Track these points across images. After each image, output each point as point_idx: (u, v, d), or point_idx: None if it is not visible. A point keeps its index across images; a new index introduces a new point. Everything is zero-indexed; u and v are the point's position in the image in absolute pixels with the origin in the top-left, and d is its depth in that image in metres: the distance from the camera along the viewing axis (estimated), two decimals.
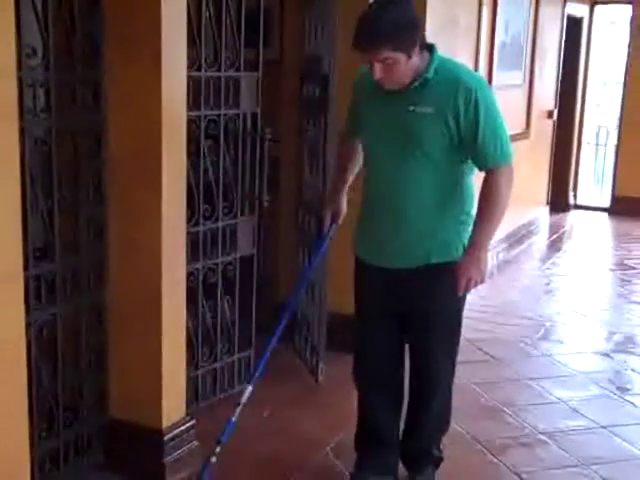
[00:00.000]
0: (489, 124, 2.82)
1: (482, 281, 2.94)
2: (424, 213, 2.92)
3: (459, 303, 3.09)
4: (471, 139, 2.83)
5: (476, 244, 2.91)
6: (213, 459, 3.00)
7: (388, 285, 3.06)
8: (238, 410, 3.08)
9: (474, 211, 3.01)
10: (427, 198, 2.91)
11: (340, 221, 3.34)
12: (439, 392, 3.23)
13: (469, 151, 2.88)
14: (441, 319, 3.07)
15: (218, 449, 3.00)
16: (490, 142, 2.84)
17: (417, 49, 2.77)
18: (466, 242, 2.97)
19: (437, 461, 3.38)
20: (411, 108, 2.82)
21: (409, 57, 2.74)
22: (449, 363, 3.21)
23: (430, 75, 2.81)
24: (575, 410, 4.13)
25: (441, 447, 3.40)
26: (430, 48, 2.86)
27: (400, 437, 3.35)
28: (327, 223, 3.30)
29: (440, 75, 2.82)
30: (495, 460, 3.61)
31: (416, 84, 2.82)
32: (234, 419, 3.07)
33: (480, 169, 2.94)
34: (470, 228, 2.99)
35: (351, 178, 3.33)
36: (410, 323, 3.13)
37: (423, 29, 2.90)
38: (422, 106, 2.81)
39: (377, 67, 2.74)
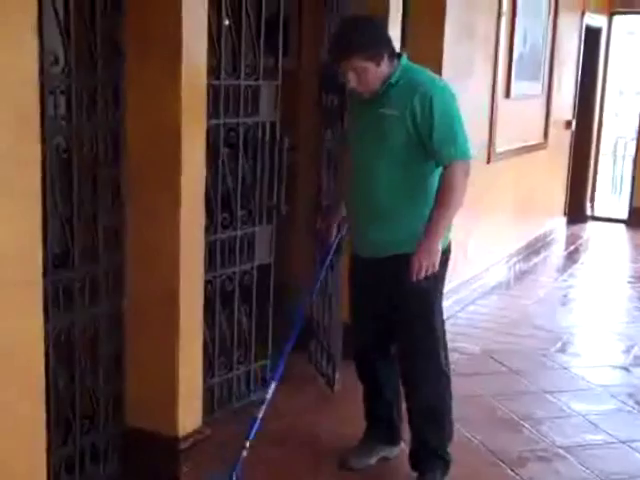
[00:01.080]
0: (443, 125, 3.07)
1: (433, 267, 3.11)
2: (395, 208, 3.17)
3: (427, 285, 3.20)
4: (427, 139, 3.09)
5: (429, 233, 3.11)
6: (244, 453, 3.15)
7: (368, 273, 3.34)
8: (263, 407, 3.21)
9: None
10: (397, 194, 3.17)
11: (345, 231, 3.55)
12: (423, 377, 3.33)
13: (428, 150, 3.12)
14: (412, 301, 3.23)
15: (247, 444, 3.16)
16: (445, 142, 3.09)
17: (385, 58, 3.10)
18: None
19: (444, 465, 3.39)
20: (380, 110, 3.14)
21: (377, 65, 3.07)
22: (430, 346, 3.30)
23: (393, 80, 3.13)
24: (593, 424, 4.09)
25: (448, 450, 3.41)
26: (399, 56, 3.19)
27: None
28: (333, 234, 3.53)
29: (403, 80, 3.13)
30: (512, 473, 3.57)
31: (383, 89, 3.14)
32: (260, 416, 3.20)
33: (438, 166, 3.15)
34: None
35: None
36: (389, 308, 3.32)
37: (391, 41, 3.22)
38: (388, 108, 3.12)
39: (351, 75, 3.09)
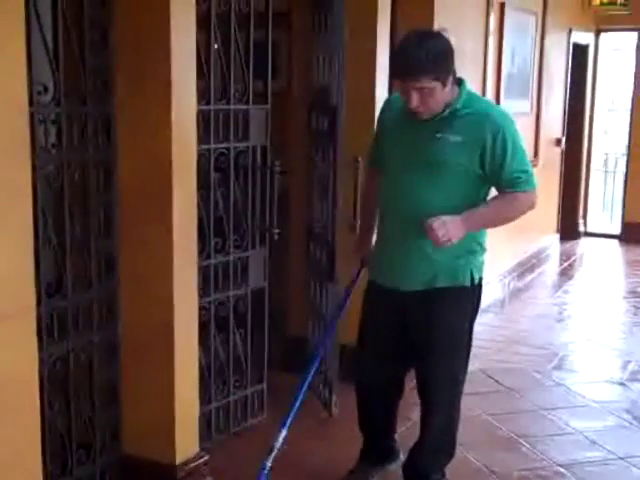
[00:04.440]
0: (516, 157, 2.96)
1: (445, 241, 2.89)
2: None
3: (463, 328, 3.16)
4: (498, 170, 2.94)
5: (467, 215, 2.94)
6: None
7: (393, 307, 3.16)
8: (273, 455, 3.07)
9: (486, 242, 3.10)
10: None
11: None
12: (439, 413, 3.28)
13: (495, 182, 2.98)
14: (443, 341, 3.13)
15: None
16: (517, 173, 2.97)
17: (451, 80, 2.92)
18: (475, 271, 3.06)
19: None
20: (438, 135, 2.94)
21: (444, 86, 2.88)
22: (451, 387, 3.26)
23: (459, 106, 2.95)
24: (592, 441, 4.08)
25: (445, 471, 3.41)
26: (459, 82, 3.01)
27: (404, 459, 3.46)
28: (356, 270, 3.40)
29: (469, 107, 2.97)
30: None
31: (445, 113, 2.95)
32: (269, 464, 3.07)
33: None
34: (481, 258, 3.09)
35: (377, 219, 3.37)
36: (413, 344, 3.19)
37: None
38: (449, 134, 2.93)
39: (414, 95, 2.87)
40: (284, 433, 3.09)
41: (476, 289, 3.13)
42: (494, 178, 2.98)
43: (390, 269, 3.16)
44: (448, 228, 2.87)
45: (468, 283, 3.07)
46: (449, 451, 3.40)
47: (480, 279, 3.13)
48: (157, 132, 3.10)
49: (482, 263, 3.12)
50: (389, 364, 3.29)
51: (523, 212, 3.08)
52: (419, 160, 3.01)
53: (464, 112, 2.96)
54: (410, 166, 3.03)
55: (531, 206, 3.07)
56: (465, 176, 2.97)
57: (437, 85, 2.85)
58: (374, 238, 3.37)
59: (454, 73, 2.97)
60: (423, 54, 2.81)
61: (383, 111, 3.29)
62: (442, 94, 2.90)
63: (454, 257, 3.03)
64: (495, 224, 3.09)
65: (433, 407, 3.28)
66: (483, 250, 3.12)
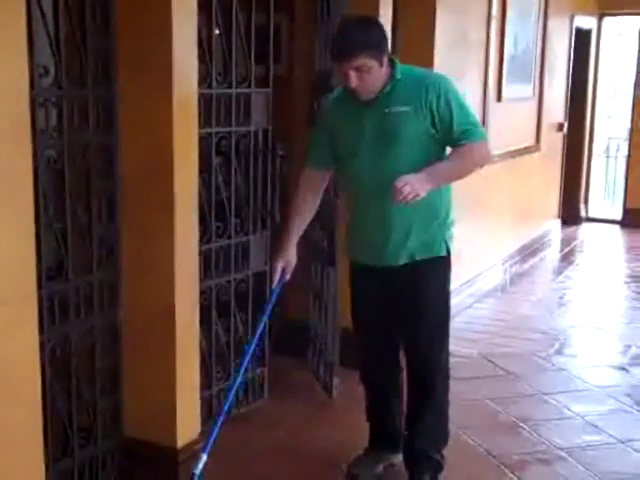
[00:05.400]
0: (462, 109, 3.10)
1: (414, 196, 2.89)
2: (407, 213, 3.08)
3: (445, 296, 3.32)
4: (448, 127, 3.07)
5: (431, 169, 3.00)
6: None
7: (379, 282, 3.28)
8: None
9: (454, 213, 3.27)
10: None
11: (289, 276, 3.30)
12: (437, 383, 3.35)
13: (447, 139, 3.11)
14: (430, 311, 3.26)
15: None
16: (467, 125, 3.10)
17: (386, 58, 3.06)
18: (448, 241, 3.23)
19: (437, 466, 3.41)
20: (387, 110, 3.08)
21: (381, 65, 3.02)
22: (440, 352, 3.34)
23: (399, 77, 3.10)
24: (592, 425, 4.09)
25: (444, 453, 3.43)
26: (392, 61, 3.14)
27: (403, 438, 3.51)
28: (277, 277, 3.27)
29: (407, 78, 3.12)
30: (512, 476, 3.56)
31: (387, 89, 3.09)
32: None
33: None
34: (452, 229, 3.26)
35: (305, 225, 3.38)
36: (404, 317, 3.31)
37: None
38: (397, 107, 3.07)
39: (353, 75, 2.99)
40: (204, 458, 2.82)
41: (449, 257, 3.28)
42: (447, 135, 3.09)
43: (370, 247, 3.25)
44: (412, 183, 2.90)
45: (444, 252, 3.23)
46: (446, 430, 3.44)
47: (450, 249, 3.27)
48: (158, 116, 3.09)
49: (453, 234, 3.27)
50: (385, 338, 3.41)
51: (479, 162, 3.19)
52: (376, 138, 3.11)
53: (404, 83, 3.09)
54: (369, 146, 3.12)
55: (486, 155, 3.20)
56: (422, 141, 3.08)
57: (374, 64, 2.99)
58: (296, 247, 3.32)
59: (389, 54, 3.11)
60: (359, 35, 2.99)
61: (327, 108, 3.36)
62: (379, 73, 3.03)
63: (428, 230, 3.17)
64: (455, 176, 3.16)
65: (427, 381, 3.35)
66: (452, 222, 3.27)
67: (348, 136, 3.20)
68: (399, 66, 3.13)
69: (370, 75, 3.01)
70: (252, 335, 3.25)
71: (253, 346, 3.15)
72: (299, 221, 3.35)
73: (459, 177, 3.15)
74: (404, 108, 3.05)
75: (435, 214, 3.17)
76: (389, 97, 3.08)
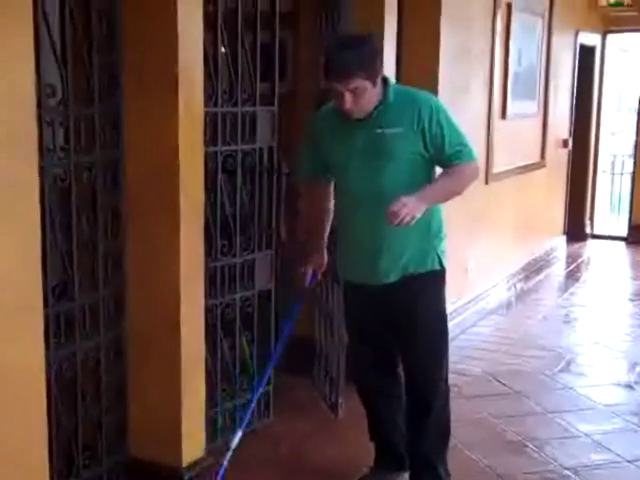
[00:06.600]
0: (453, 130, 3.12)
1: (409, 215, 2.90)
2: (399, 228, 3.02)
3: (439, 309, 3.30)
4: (440, 148, 3.09)
5: (424, 190, 3.03)
6: None
7: (373, 301, 3.26)
8: (228, 455, 3.09)
9: (445, 227, 3.28)
10: None
11: (320, 276, 3.48)
12: (436, 398, 3.33)
13: (439, 159, 3.13)
14: (426, 325, 3.24)
15: None
16: (457, 146, 3.12)
17: (379, 79, 3.04)
18: (441, 255, 3.22)
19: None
20: (379, 131, 3.07)
21: (374, 85, 3.00)
22: (441, 368, 3.33)
23: (391, 99, 3.08)
24: (599, 444, 4.06)
25: (448, 469, 3.41)
26: (384, 79, 3.13)
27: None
28: (309, 277, 3.44)
29: (399, 99, 3.10)
30: None
31: (380, 108, 3.07)
32: (225, 463, 3.08)
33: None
34: (444, 243, 3.24)
35: (329, 226, 3.45)
36: (399, 334, 3.30)
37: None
38: (389, 127, 3.06)
39: (347, 96, 2.97)
40: (240, 434, 3.14)
41: (444, 272, 3.27)
42: (438, 155, 3.11)
43: (363, 265, 3.23)
44: (407, 205, 2.91)
45: (438, 266, 3.22)
46: (447, 437, 3.43)
47: (444, 262, 3.27)
48: (164, 134, 3.11)
49: (445, 249, 3.26)
50: (380, 351, 3.40)
51: (469, 182, 3.21)
52: (368, 157, 3.10)
53: (396, 104, 3.08)
54: (360, 165, 3.12)
55: (475, 175, 3.24)
56: (413, 161, 3.10)
57: (368, 85, 2.97)
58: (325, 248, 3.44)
59: (382, 73, 3.10)
60: (353, 55, 2.95)
61: (317, 124, 3.34)
62: (372, 93, 3.01)
63: (420, 244, 3.16)
64: (447, 197, 3.18)
65: (425, 398, 3.33)
66: (445, 236, 3.27)
67: (338, 152, 3.20)
68: (391, 86, 3.14)
69: (364, 96, 3.00)
70: (275, 349, 3.46)
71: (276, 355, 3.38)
72: (321, 226, 3.43)
73: (450, 197, 3.18)
74: (397, 129, 3.06)
75: (427, 228, 3.17)
76: (382, 117, 3.07)
